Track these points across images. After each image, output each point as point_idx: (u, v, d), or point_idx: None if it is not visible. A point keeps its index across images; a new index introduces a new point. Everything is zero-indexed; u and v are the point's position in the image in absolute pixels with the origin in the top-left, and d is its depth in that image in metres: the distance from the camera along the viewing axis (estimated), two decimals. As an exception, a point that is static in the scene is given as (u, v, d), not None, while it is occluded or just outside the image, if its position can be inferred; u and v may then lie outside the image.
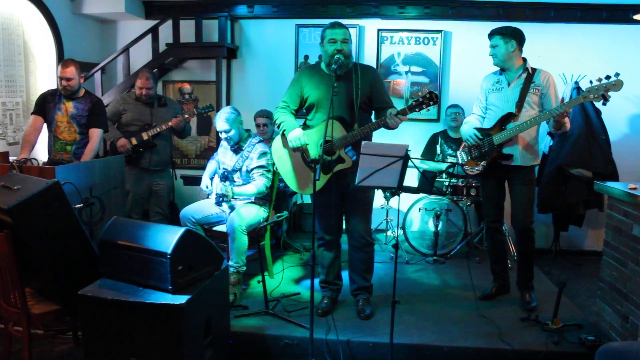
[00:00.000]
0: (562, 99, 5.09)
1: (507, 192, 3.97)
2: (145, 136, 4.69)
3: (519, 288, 4.00)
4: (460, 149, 4.00)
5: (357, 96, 3.50)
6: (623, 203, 3.37)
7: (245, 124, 4.37)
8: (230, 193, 3.88)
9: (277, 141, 3.71)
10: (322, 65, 3.64)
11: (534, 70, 3.73)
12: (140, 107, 4.80)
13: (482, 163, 3.81)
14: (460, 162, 4.00)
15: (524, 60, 3.77)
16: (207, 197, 4.38)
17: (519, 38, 3.72)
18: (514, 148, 3.72)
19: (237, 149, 4.21)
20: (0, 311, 3.02)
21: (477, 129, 3.82)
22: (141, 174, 4.81)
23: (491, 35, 3.78)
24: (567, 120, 3.56)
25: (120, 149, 4.66)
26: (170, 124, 4.70)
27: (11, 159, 4.13)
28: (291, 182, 3.68)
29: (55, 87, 4.36)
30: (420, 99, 3.29)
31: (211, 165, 4.45)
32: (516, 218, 3.85)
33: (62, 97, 4.30)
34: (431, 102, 3.28)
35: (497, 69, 3.89)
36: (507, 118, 3.69)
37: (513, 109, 3.69)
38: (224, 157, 4.30)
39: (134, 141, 4.69)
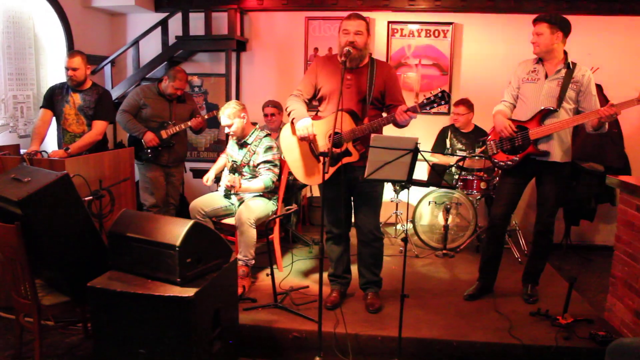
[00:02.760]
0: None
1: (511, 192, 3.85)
2: (164, 135, 4.68)
3: (524, 281, 3.98)
4: (490, 140, 3.84)
5: (370, 91, 3.48)
6: (635, 197, 3.33)
7: (255, 116, 4.36)
8: (237, 184, 3.87)
9: (287, 129, 3.69)
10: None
11: (573, 64, 3.58)
12: (161, 103, 4.76)
13: (515, 157, 3.69)
14: (489, 152, 3.85)
15: (565, 53, 3.61)
16: (217, 190, 4.38)
17: (566, 30, 3.55)
18: (549, 144, 3.59)
19: (243, 143, 4.20)
20: (11, 302, 3.05)
21: (511, 120, 3.70)
22: (159, 167, 4.82)
23: (538, 22, 3.56)
24: None
25: (149, 143, 4.63)
26: (189, 124, 4.69)
27: (22, 151, 4.15)
28: (297, 171, 3.65)
29: (63, 80, 4.38)
30: (432, 97, 3.24)
31: (221, 160, 4.46)
32: (541, 218, 3.77)
33: (70, 89, 4.32)
34: (442, 102, 3.23)
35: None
36: (547, 113, 3.57)
37: (546, 103, 3.57)
38: (232, 151, 4.30)
39: (165, 134, 4.67)
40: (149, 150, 4.66)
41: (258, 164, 4.13)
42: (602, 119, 3.37)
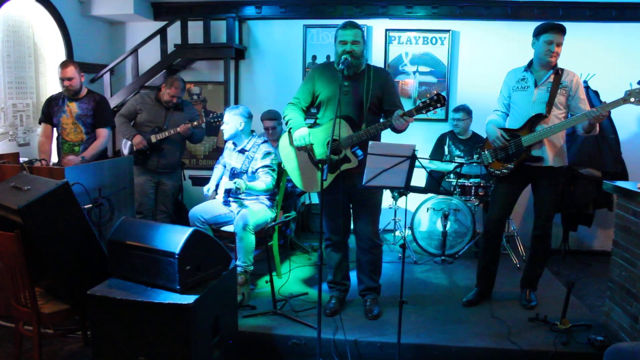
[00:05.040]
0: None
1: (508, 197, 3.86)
2: (153, 139, 4.71)
3: (522, 286, 3.99)
4: (485, 150, 3.87)
5: (367, 97, 3.50)
6: (632, 203, 3.35)
7: (253, 124, 4.36)
8: (243, 186, 3.88)
9: (285, 138, 3.72)
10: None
11: (561, 70, 3.63)
12: (157, 109, 4.82)
13: (509, 165, 3.71)
14: (484, 162, 3.88)
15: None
16: (214, 198, 4.39)
17: None
18: (543, 150, 3.63)
19: (241, 150, 4.22)
20: (11, 310, 3.05)
21: (503, 129, 3.73)
22: (149, 173, 4.84)
23: (561, 32, 3.55)
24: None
25: (136, 146, 4.67)
26: (178, 129, 4.72)
27: (21, 159, 4.16)
28: (296, 180, 3.69)
29: (59, 90, 4.42)
30: (428, 101, 3.27)
31: (217, 171, 4.46)
32: (538, 223, 3.79)
33: (66, 99, 4.35)
34: (438, 105, 3.26)
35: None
36: (537, 119, 3.60)
37: (537, 110, 3.60)
38: (230, 159, 4.31)
39: (154, 139, 4.71)
40: (147, 148, 4.72)
41: (257, 169, 4.15)
42: (591, 120, 3.40)
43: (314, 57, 6.07)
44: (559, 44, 3.57)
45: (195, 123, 4.78)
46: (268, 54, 6.21)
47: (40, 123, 4.49)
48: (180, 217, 5.44)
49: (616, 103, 3.35)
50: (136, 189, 4.74)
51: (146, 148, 4.71)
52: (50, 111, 4.38)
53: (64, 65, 4.30)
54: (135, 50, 5.95)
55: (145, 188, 4.83)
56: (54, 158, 4.62)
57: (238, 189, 3.87)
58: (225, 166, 4.41)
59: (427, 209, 5.10)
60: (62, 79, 4.27)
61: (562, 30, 3.56)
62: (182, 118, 4.86)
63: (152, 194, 4.90)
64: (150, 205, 4.90)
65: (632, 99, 3.30)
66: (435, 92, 3.28)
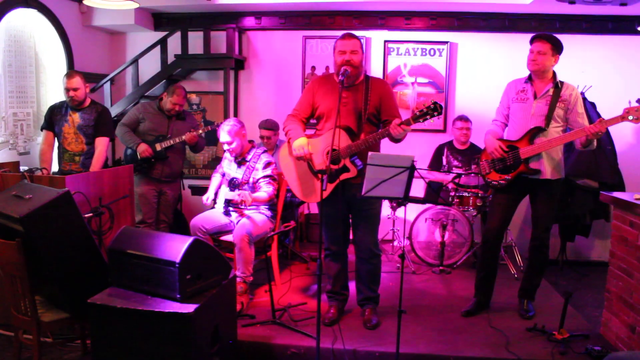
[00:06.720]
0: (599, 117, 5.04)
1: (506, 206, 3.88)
2: (158, 147, 4.73)
3: (520, 296, 4.01)
4: (483, 160, 3.90)
5: (366, 107, 3.53)
6: (629, 213, 3.37)
7: (252, 135, 4.40)
8: (249, 199, 3.90)
9: (284, 149, 3.75)
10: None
11: (561, 83, 3.65)
12: (160, 118, 4.82)
13: (507, 176, 3.74)
14: (482, 173, 3.89)
15: (554, 73, 3.68)
16: (213, 207, 4.41)
17: (560, 53, 3.62)
18: (540, 162, 3.65)
19: (241, 161, 4.24)
20: (10, 319, 3.06)
21: (502, 140, 3.76)
22: (151, 182, 4.85)
23: (541, 40, 3.58)
24: None
25: (142, 154, 4.68)
26: (184, 137, 4.73)
27: (22, 168, 4.18)
28: (296, 190, 3.71)
29: (63, 98, 4.44)
30: (425, 110, 3.29)
31: (216, 179, 4.48)
32: (536, 233, 3.81)
33: (69, 108, 4.38)
34: (435, 113, 3.28)
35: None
36: (536, 132, 3.63)
37: (536, 122, 3.63)
38: (229, 169, 4.33)
39: (159, 147, 4.73)
40: (153, 157, 4.73)
41: (258, 179, 4.17)
42: (589, 136, 3.43)
43: (313, 68, 6.11)
44: (540, 52, 3.57)
45: (200, 131, 4.79)
46: (267, 64, 6.24)
47: (42, 130, 4.51)
48: (179, 226, 5.45)
49: (614, 120, 3.39)
50: (139, 199, 4.76)
51: (152, 156, 4.72)
52: (53, 119, 4.41)
53: (70, 75, 4.33)
54: (135, 60, 5.98)
55: (148, 197, 4.83)
56: (54, 167, 4.64)
57: (243, 201, 3.89)
58: (224, 175, 4.43)
59: (426, 219, 5.12)
60: (68, 89, 4.30)
61: (545, 39, 3.58)
62: (185, 127, 4.88)
63: (155, 203, 4.90)
64: (155, 214, 4.91)
65: (630, 117, 3.33)
66: (432, 100, 3.30)
